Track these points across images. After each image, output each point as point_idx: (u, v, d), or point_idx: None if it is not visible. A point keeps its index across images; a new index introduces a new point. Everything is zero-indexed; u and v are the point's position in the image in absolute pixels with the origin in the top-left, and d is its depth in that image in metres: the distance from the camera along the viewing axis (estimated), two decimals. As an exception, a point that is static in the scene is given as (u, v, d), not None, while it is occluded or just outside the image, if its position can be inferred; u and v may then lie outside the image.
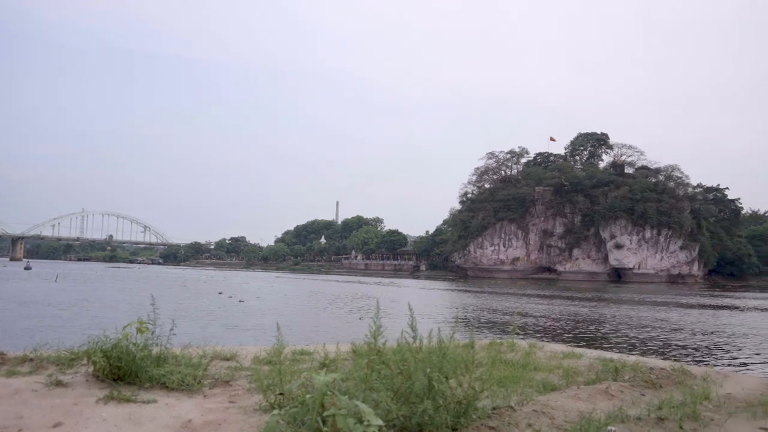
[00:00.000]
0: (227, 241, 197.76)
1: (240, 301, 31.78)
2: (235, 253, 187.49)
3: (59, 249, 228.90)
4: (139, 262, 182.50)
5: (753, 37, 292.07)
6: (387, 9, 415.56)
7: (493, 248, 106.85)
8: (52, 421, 4.00)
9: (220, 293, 38.59)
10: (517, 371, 6.30)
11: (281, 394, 4.40)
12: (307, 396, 3.31)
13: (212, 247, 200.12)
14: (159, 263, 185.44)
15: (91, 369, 5.26)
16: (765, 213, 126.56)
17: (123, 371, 5.12)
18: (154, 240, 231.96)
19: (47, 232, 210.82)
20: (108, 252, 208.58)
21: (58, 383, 4.95)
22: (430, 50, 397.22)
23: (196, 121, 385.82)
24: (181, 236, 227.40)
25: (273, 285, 56.76)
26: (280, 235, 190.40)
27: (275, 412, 3.23)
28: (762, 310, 36.55)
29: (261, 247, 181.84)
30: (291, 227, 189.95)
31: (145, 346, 5.36)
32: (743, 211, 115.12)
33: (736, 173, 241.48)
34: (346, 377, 4.16)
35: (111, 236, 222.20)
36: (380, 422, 3.20)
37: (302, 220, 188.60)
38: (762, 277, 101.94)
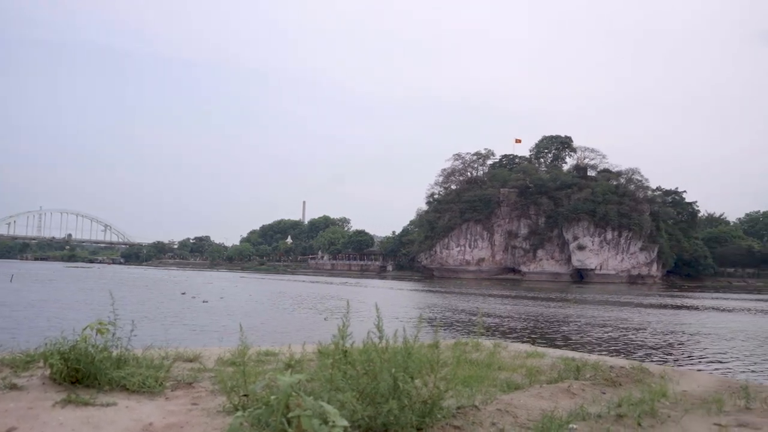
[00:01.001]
0: (191, 241, 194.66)
1: (203, 302, 31.31)
2: (199, 252, 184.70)
3: (15, 248, 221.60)
4: (100, 262, 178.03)
5: (709, 44, 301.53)
6: (355, 10, 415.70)
7: (459, 249, 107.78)
8: (6, 426, 3.87)
9: (183, 293, 37.95)
10: (482, 371, 6.37)
11: (245, 395, 4.35)
12: (272, 397, 3.28)
13: (176, 246, 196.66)
14: (120, 263, 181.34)
15: (47, 372, 5.11)
16: (720, 216, 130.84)
17: (81, 374, 4.99)
18: (115, 239, 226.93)
19: (2, 230, 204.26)
20: (67, 251, 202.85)
21: (13, 386, 4.80)
22: (398, 51, 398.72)
23: (160, 119, 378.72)
24: (143, 235, 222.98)
25: (237, 285, 56.10)
26: (245, 235, 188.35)
27: (239, 413, 3.20)
28: (717, 309, 37.75)
29: (226, 247, 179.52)
30: (257, 227, 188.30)
31: (104, 348, 5.23)
32: (700, 214, 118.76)
33: (693, 177, 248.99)
34: (312, 378, 4.14)
35: (70, 235, 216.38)
36: (345, 423, 3.19)
37: (268, 220, 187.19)
38: (717, 278, 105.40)
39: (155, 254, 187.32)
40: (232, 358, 6.67)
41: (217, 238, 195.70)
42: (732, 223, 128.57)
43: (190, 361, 6.75)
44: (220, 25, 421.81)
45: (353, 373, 4.01)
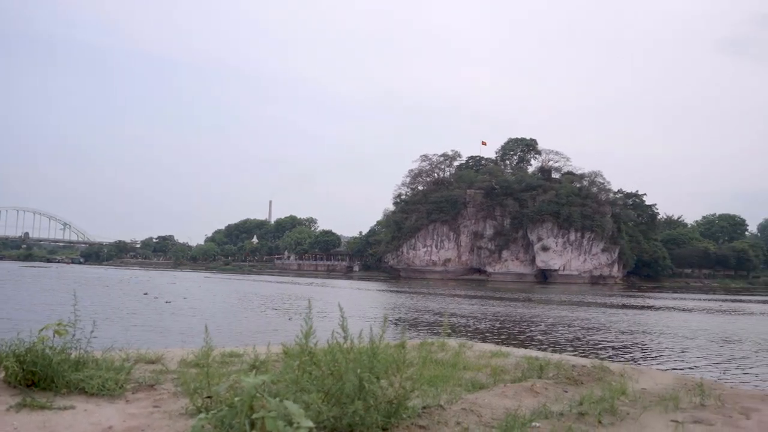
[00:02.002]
0: (154, 240, 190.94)
1: (166, 302, 30.74)
2: (163, 252, 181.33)
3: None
4: (58, 261, 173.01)
5: (672, 51, 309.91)
6: (319, 8, 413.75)
7: (425, 249, 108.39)
8: (-43, 431, 3.74)
9: (145, 294, 37.20)
10: (447, 370, 6.41)
11: (209, 397, 4.28)
12: (236, 398, 3.25)
13: (138, 246, 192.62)
14: (80, 262, 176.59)
15: (2, 375, 4.95)
16: (679, 218, 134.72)
17: (38, 377, 4.85)
18: (74, 238, 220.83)
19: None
20: (23, 250, 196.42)
21: (-36, 390, 4.63)
22: (366, 50, 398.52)
23: (121, 117, 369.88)
24: (104, 234, 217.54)
25: (201, 285, 55.28)
26: (210, 234, 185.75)
27: (202, 415, 3.15)
28: (676, 309, 38.84)
29: (190, 247, 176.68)
30: (222, 226, 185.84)
31: (63, 350, 5.09)
32: (659, 216, 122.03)
33: (653, 180, 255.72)
34: (277, 379, 4.10)
35: (26, 233, 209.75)
36: (310, 424, 3.17)
37: (234, 219, 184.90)
38: (674, 278, 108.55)
39: (116, 254, 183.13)
40: (195, 359, 6.57)
41: (181, 238, 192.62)
42: (689, 226, 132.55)
43: (152, 362, 6.62)
44: (187, 20, 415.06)
45: (318, 374, 3.99)
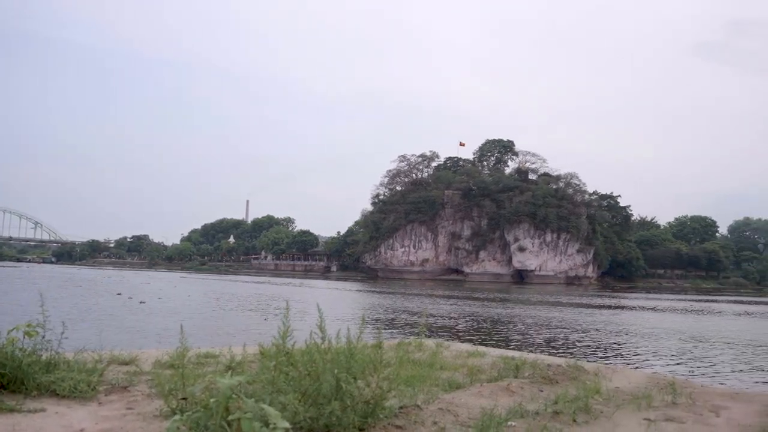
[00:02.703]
0: (128, 240, 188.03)
1: (140, 303, 30.30)
2: (137, 252, 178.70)
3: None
4: (29, 261, 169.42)
5: (646, 55, 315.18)
6: (301, 7, 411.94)
7: (403, 249, 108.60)
8: None
9: (118, 294, 36.61)
10: (424, 370, 6.44)
11: (184, 398, 4.24)
12: (211, 400, 3.22)
13: (112, 245, 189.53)
14: (51, 262, 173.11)
15: (-31, 377, 4.83)
16: (652, 219, 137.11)
17: (7, 379, 4.74)
18: (46, 237, 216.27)
19: None
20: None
21: (-70, 393, 4.51)
22: (351, 50, 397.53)
23: (96, 114, 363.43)
24: (77, 234, 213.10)
25: (177, 286, 54.61)
26: (186, 234, 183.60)
27: (176, 417, 3.12)
28: (649, 309, 39.49)
29: (165, 246, 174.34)
30: (198, 226, 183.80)
31: (33, 352, 4.99)
32: (633, 218, 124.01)
33: (627, 182, 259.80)
34: (253, 380, 4.08)
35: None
36: (286, 425, 3.16)
37: (210, 219, 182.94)
38: (648, 279, 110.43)
39: (90, 253, 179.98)
40: (170, 360, 6.49)
41: (156, 237, 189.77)
42: (662, 227, 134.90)
43: (126, 364, 6.53)
44: (169, 15, 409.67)
45: (295, 375, 3.97)
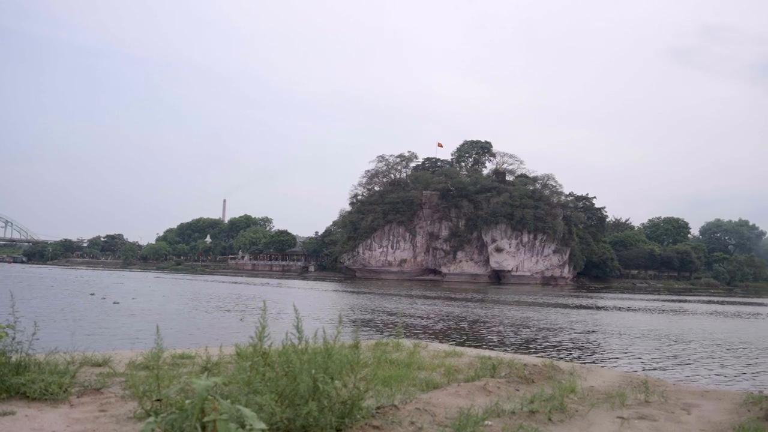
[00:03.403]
0: (102, 239, 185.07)
1: (114, 303, 29.84)
2: (112, 251, 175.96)
3: None
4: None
5: (622, 59, 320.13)
6: (282, 6, 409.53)
7: (381, 250, 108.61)
8: None
9: (92, 294, 36.01)
10: (402, 370, 6.45)
11: (158, 400, 4.18)
12: (187, 401, 3.18)
13: (85, 245, 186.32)
14: (22, 261, 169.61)
15: (-65, 379, 4.71)
16: (626, 221, 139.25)
17: (-25, 381, 4.63)
18: (16, 236, 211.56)
19: None
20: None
21: None
22: (326, 51, 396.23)
23: (69, 112, 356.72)
24: (49, 233, 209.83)
25: (151, 286, 53.89)
26: (162, 234, 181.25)
27: (151, 419, 3.07)
28: (624, 309, 40.07)
29: (140, 246, 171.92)
30: (174, 225, 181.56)
31: (2, 353, 4.88)
32: (608, 219, 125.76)
33: (601, 184, 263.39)
34: (229, 381, 4.04)
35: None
36: (263, 426, 3.14)
37: (187, 218, 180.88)
38: (622, 279, 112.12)
39: (62, 253, 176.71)
40: (144, 361, 6.40)
41: (131, 237, 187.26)
42: (636, 228, 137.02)
43: (99, 365, 6.42)
44: (143, 12, 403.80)
45: (272, 375, 3.94)
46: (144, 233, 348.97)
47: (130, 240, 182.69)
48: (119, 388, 5.24)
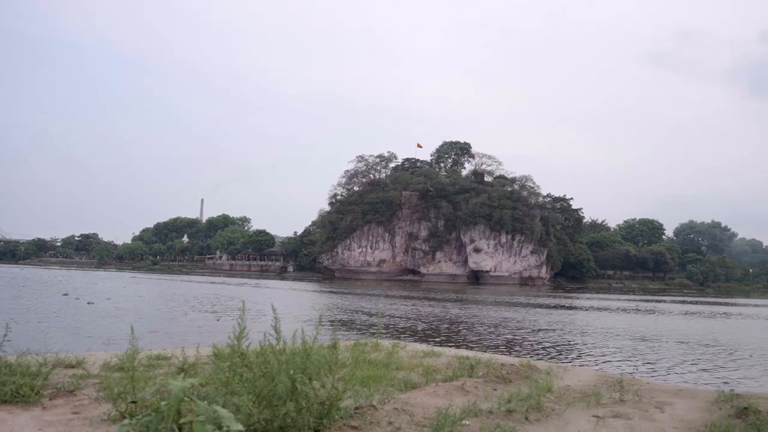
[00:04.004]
0: (76, 238, 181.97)
1: (88, 303, 29.36)
2: (86, 251, 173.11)
3: None
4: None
5: (601, 62, 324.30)
6: (265, 6, 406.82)
7: (360, 250, 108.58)
8: None
9: (65, 294, 35.39)
10: (380, 370, 6.45)
11: (134, 402, 4.12)
12: (162, 403, 3.14)
13: (59, 244, 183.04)
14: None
15: None
16: (602, 222, 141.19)
17: (-57, 383, 4.52)
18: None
19: None
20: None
21: None
22: (310, 48, 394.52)
23: (42, 109, 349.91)
24: (21, 232, 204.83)
25: (127, 286, 53.14)
26: (138, 233, 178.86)
27: (125, 421, 3.03)
28: (601, 309, 40.59)
29: (116, 245, 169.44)
30: (150, 225, 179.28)
31: (-28, 355, 4.77)
32: (584, 220, 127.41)
33: (578, 185, 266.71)
34: (206, 382, 4.01)
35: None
36: (240, 427, 3.11)
37: (163, 218, 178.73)
38: (598, 280, 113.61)
39: (35, 252, 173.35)
40: (119, 363, 6.31)
41: (106, 236, 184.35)
42: (612, 229, 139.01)
43: (72, 367, 6.31)
44: (123, 10, 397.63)
45: (250, 376, 3.92)
46: (120, 233, 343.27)
47: (105, 239, 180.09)
48: (93, 390, 5.16)
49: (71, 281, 57.44)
